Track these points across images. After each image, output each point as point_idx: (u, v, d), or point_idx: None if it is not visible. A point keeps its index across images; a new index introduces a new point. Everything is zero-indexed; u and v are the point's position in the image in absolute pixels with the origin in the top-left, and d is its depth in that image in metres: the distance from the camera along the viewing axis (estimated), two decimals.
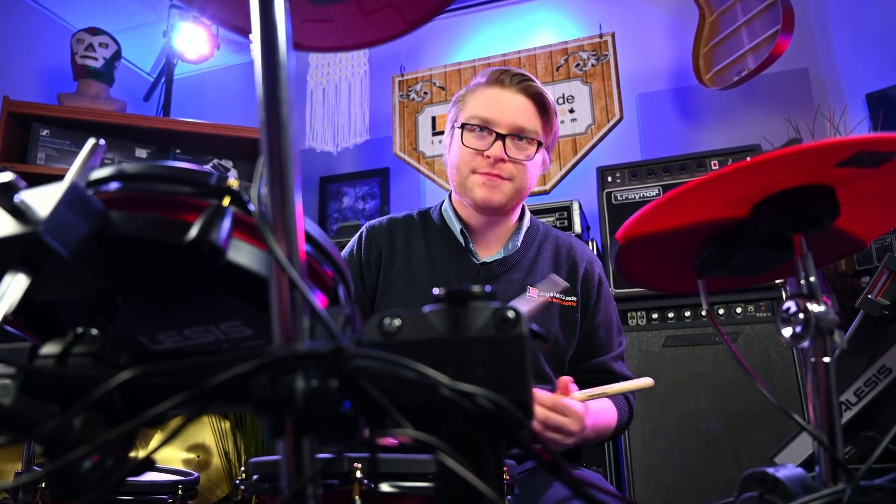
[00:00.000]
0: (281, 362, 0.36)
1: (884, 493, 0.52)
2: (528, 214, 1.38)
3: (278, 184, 0.40)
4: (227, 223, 0.44)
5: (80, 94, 3.02)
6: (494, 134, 1.24)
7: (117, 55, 3.10)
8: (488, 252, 1.33)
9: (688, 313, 2.16)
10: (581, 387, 1.27)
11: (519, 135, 1.25)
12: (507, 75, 1.28)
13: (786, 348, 1.98)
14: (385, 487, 0.61)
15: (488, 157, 1.24)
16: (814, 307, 0.54)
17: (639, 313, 2.22)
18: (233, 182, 0.47)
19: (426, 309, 0.41)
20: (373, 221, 1.40)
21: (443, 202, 1.41)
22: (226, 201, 0.46)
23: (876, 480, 0.53)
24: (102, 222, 0.44)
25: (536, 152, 1.28)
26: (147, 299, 0.50)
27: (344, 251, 1.38)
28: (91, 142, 0.49)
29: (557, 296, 1.30)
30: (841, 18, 2.77)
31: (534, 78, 1.30)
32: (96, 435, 0.42)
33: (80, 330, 0.45)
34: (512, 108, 1.26)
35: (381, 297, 1.29)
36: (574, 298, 1.31)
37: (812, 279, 0.55)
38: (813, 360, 0.53)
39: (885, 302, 0.88)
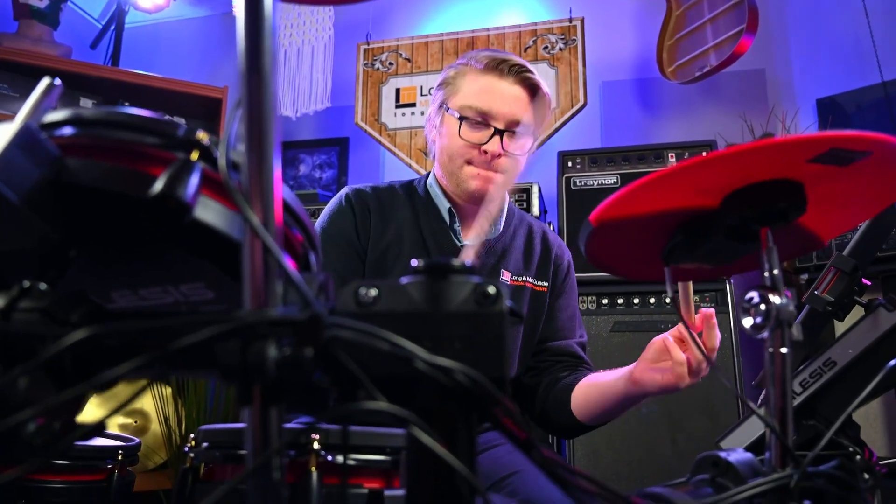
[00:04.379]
0: (252, 328, 0.35)
1: (826, 478, 0.55)
2: (507, 198, 1.37)
3: (256, 140, 0.38)
4: (195, 178, 0.42)
5: (20, 36, 2.83)
6: (492, 129, 1.21)
7: None
8: (470, 234, 1.32)
9: (636, 300, 2.22)
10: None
11: (515, 128, 1.23)
12: (505, 65, 1.23)
13: (725, 338, 2.05)
14: (342, 460, 0.60)
15: (485, 151, 1.21)
16: (775, 299, 0.55)
17: (589, 298, 2.26)
18: (202, 135, 0.44)
19: (404, 280, 0.40)
20: (356, 186, 1.34)
21: (426, 177, 1.38)
22: (194, 155, 0.43)
23: (820, 467, 0.55)
24: (58, 169, 0.41)
25: (530, 144, 1.26)
26: (103, 254, 0.47)
27: (328, 211, 1.31)
28: (45, 80, 0.45)
29: (530, 280, 1.30)
30: (799, 24, 2.85)
31: (531, 68, 1.26)
32: (42, 397, 0.39)
33: (26, 283, 0.42)
34: (510, 100, 1.22)
35: (373, 264, 1.25)
36: (546, 284, 1.33)
37: (776, 272, 0.56)
38: (771, 350, 0.55)
39: (830, 298, 0.91)
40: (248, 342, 0.34)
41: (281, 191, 0.39)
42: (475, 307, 0.38)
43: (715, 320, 0.95)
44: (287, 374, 0.34)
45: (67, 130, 0.44)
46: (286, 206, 0.49)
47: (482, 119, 1.22)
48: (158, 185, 0.40)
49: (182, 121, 3.02)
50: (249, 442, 0.36)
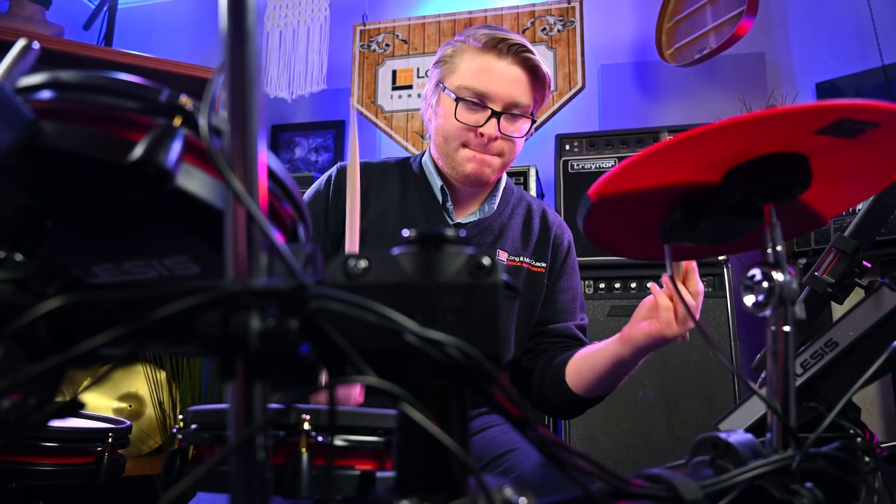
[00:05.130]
0: (234, 298, 0.33)
1: (828, 460, 0.54)
2: (504, 176, 1.34)
3: (239, 102, 0.36)
4: (177, 145, 0.40)
5: (11, 15, 2.79)
6: (489, 111, 1.17)
7: None
8: (464, 213, 1.30)
9: (633, 284, 2.20)
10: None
11: (513, 110, 1.19)
12: (504, 44, 1.18)
13: (723, 323, 2.04)
14: (334, 441, 0.59)
15: (481, 134, 1.18)
16: (778, 276, 0.53)
17: (586, 282, 2.24)
18: (185, 100, 0.42)
19: (396, 251, 0.38)
20: (345, 163, 1.30)
21: (422, 154, 1.35)
22: (177, 121, 0.41)
23: (822, 448, 0.54)
24: (33, 133, 0.39)
25: (528, 127, 1.23)
26: (81, 226, 0.45)
27: (310, 190, 1.30)
28: (21, 42, 0.43)
29: (527, 261, 1.29)
30: (799, 7, 2.82)
31: (531, 47, 1.21)
32: (17, 371, 0.38)
33: (2, 254, 0.41)
34: (508, 81, 1.18)
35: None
36: (544, 265, 1.30)
37: (779, 248, 0.54)
38: (773, 328, 0.53)
39: (831, 280, 0.90)
40: (230, 313, 0.33)
41: (266, 157, 0.37)
42: (469, 278, 0.36)
43: (694, 264, 1.00)
44: (271, 347, 0.32)
45: (44, 94, 0.42)
46: (275, 178, 0.47)
47: (479, 101, 1.18)
48: (138, 151, 0.38)
49: None
50: (232, 419, 0.35)
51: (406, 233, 0.39)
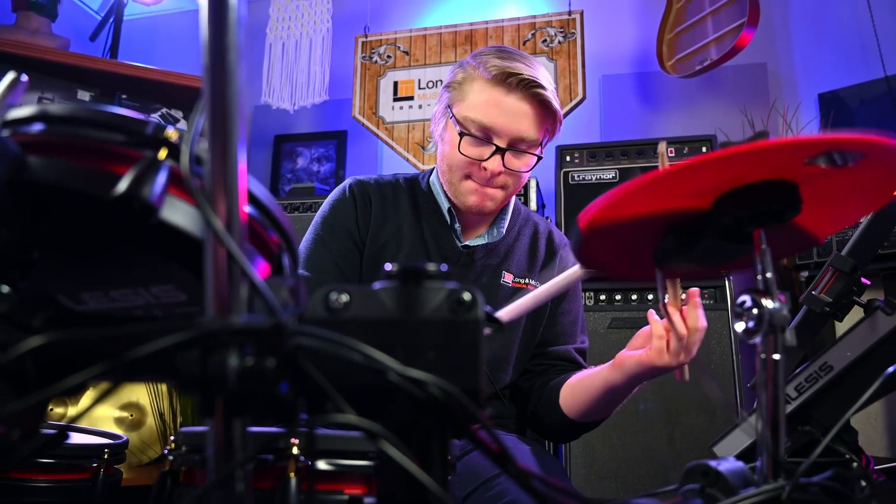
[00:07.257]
0: (213, 336, 0.33)
1: (820, 489, 0.53)
2: (513, 198, 1.32)
3: (220, 137, 0.36)
4: (161, 178, 0.40)
5: (18, 28, 2.81)
6: (494, 146, 1.15)
7: None
8: (471, 235, 1.29)
9: (634, 296, 2.20)
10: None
11: (519, 146, 1.17)
12: (514, 79, 1.14)
13: (724, 336, 2.03)
14: (322, 465, 0.59)
15: (485, 168, 1.16)
16: (768, 303, 0.53)
17: (586, 294, 2.24)
18: (171, 133, 0.42)
19: (377, 286, 0.38)
20: (359, 177, 1.31)
21: (430, 173, 1.34)
22: (162, 154, 0.41)
23: (814, 477, 0.54)
24: (18, 167, 0.39)
25: (535, 161, 1.21)
26: (68, 256, 0.45)
27: (329, 199, 1.29)
28: (10, 75, 0.43)
29: (533, 283, 1.28)
30: (801, 18, 2.82)
31: (542, 81, 1.17)
32: (1, 405, 0.38)
33: None
34: (515, 117, 1.15)
35: (370, 259, 1.22)
36: None
37: (769, 275, 0.54)
38: (763, 356, 0.53)
39: (828, 299, 0.90)
40: (209, 352, 0.33)
41: (246, 190, 0.37)
42: (449, 314, 0.36)
43: (699, 299, 0.96)
44: (249, 386, 0.32)
45: (31, 127, 0.42)
46: (262, 207, 0.47)
47: (484, 135, 1.16)
48: (122, 185, 0.39)
49: (180, 113, 2.99)
50: (211, 454, 0.34)
51: (388, 267, 0.39)
